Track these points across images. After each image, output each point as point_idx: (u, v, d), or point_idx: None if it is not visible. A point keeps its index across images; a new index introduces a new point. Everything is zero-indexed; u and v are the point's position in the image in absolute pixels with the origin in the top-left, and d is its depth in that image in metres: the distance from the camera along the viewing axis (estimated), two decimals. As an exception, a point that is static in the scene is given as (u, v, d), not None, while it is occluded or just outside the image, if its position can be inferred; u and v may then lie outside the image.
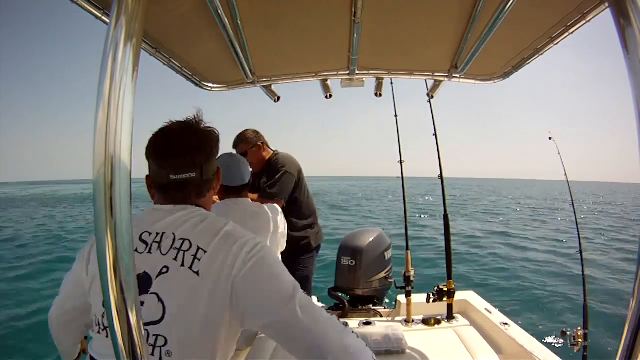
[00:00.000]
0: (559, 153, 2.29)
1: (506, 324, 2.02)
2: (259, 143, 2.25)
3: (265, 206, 1.69)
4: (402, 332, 1.57)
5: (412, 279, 1.84)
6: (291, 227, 2.17)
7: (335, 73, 1.74)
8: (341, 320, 1.90)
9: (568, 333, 1.72)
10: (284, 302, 0.73)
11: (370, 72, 1.73)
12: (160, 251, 0.75)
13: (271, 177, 2.23)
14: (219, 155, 1.60)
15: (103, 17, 1.02)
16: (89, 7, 1.00)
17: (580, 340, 1.69)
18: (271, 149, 2.36)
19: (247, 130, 2.28)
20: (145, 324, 0.70)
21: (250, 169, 1.66)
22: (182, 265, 0.73)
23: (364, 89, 1.84)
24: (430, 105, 2.03)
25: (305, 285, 2.32)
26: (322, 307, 2.61)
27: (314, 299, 2.76)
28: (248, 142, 2.24)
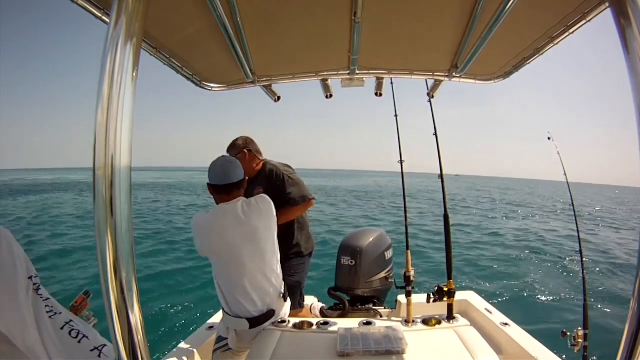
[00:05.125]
0: (558, 152, 2.29)
1: (506, 324, 2.02)
2: (244, 150, 2.34)
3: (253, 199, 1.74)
4: (402, 332, 1.56)
5: (412, 278, 1.84)
6: (280, 233, 2.18)
7: (335, 72, 1.74)
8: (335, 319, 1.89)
9: (568, 333, 1.72)
10: None
11: (370, 71, 1.73)
12: None
13: (270, 186, 2.26)
14: (215, 159, 1.64)
15: (103, 17, 1.02)
16: (89, 7, 1.00)
17: (580, 340, 1.69)
18: (259, 157, 2.40)
19: (238, 137, 2.39)
20: None
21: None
22: None
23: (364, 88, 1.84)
24: (431, 104, 2.03)
25: (296, 290, 2.30)
26: (322, 306, 2.61)
27: (313, 298, 2.76)
28: (235, 148, 2.36)
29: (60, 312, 0.81)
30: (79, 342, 0.81)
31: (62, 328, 0.79)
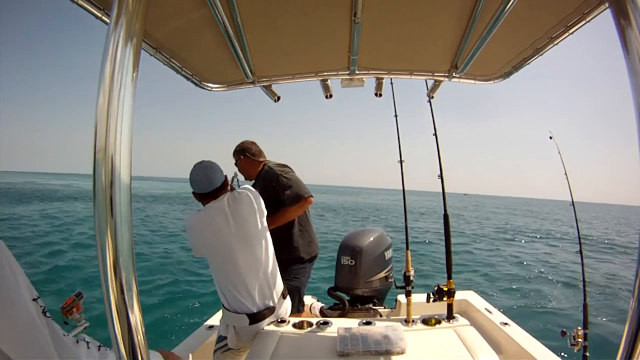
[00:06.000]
0: (559, 152, 2.29)
1: (506, 323, 2.02)
2: (240, 157, 2.40)
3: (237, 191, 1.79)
4: (402, 331, 1.57)
5: (412, 278, 1.84)
6: (280, 236, 2.16)
7: (335, 73, 1.74)
8: (336, 319, 1.89)
9: (568, 333, 1.72)
10: None
11: (370, 72, 1.73)
12: None
13: (266, 188, 2.25)
14: (193, 168, 1.68)
15: (103, 17, 1.02)
16: (89, 7, 1.00)
17: (580, 340, 1.69)
18: (259, 160, 2.42)
19: (240, 142, 2.46)
20: None
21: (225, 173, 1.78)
22: None
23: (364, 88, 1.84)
24: (431, 105, 2.04)
25: (295, 296, 2.25)
26: (322, 306, 2.61)
27: (313, 298, 2.76)
28: (234, 155, 2.44)
29: (68, 334, 0.80)
30: (98, 349, 0.82)
31: (78, 342, 0.79)
